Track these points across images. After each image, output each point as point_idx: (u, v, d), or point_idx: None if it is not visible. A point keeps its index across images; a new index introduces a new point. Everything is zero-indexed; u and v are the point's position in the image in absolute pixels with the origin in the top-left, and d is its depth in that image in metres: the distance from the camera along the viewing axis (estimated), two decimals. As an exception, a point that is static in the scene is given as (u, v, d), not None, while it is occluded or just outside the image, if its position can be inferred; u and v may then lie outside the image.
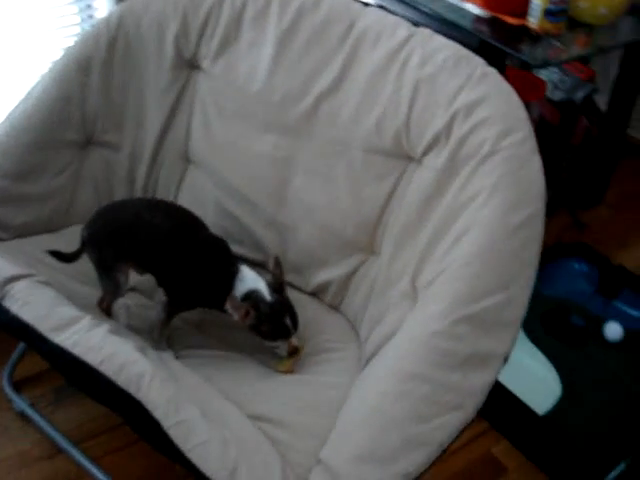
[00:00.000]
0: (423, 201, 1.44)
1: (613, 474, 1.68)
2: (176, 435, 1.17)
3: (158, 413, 1.19)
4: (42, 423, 1.79)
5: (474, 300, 1.24)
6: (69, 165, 1.75)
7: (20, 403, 1.82)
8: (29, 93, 1.73)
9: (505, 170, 1.32)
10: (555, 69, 2.25)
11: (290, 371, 1.50)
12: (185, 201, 1.77)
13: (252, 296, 1.46)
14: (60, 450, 1.74)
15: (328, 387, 1.45)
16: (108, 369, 1.22)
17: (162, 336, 1.55)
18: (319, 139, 1.60)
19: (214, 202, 1.73)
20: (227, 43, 1.69)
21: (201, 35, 1.72)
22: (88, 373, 1.23)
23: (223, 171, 1.73)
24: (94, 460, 1.71)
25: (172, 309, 1.56)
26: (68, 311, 1.35)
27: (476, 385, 1.21)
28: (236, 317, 1.46)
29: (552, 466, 1.74)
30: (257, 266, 1.68)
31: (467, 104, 1.39)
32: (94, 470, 1.70)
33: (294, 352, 1.50)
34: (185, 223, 1.55)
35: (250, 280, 1.48)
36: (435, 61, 1.46)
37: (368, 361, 1.47)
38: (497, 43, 1.81)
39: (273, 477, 1.19)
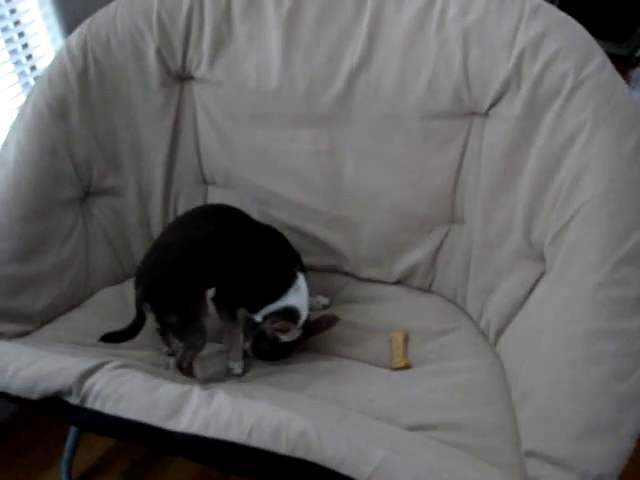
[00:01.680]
0: (506, 154, 1.35)
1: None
2: None
3: (347, 469, 1.02)
4: (128, 514, 1.59)
5: (623, 239, 1.17)
6: (74, 226, 1.52)
7: (94, 502, 1.61)
8: (1, 157, 1.47)
9: (598, 99, 1.25)
10: None
11: (407, 366, 1.40)
12: (218, 227, 1.59)
13: (293, 314, 1.39)
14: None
15: (466, 372, 1.36)
16: (261, 440, 1.04)
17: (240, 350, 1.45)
18: (362, 120, 1.47)
19: (258, 217, 1.54)
20: (221, 44, 1.51)
21: (186, 42, 1.52)
22: (238, 452, 1.05)
23: (260, 182, 1.57)
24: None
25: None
26: (170, 390, 1.15)
27: (658, 322, 1.15)
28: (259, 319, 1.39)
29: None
30: (329, 272, 1.57)
31: (531, 41, 1.30)
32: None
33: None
34: (233, 218, 1.44)
35: (301, 293, 1.41)
36: (477, 6, 1.35)
37: (499, 334, 1.39)
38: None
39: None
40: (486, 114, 1.39)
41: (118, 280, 1.61)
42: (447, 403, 1.30)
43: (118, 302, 1.56)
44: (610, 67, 1.28)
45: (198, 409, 1.10)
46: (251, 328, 1.41)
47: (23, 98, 1.55)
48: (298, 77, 1.48)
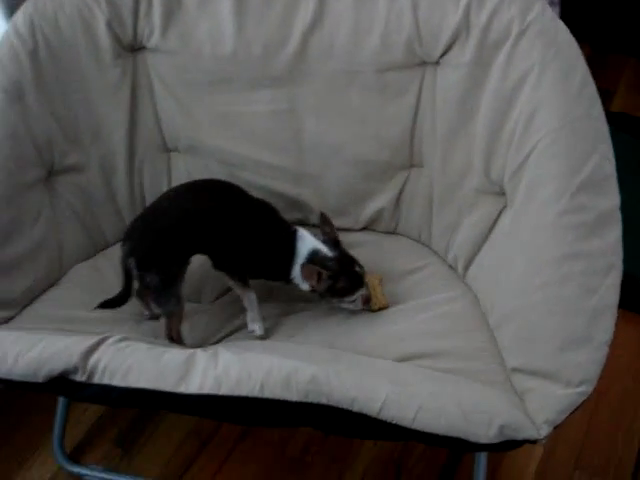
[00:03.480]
0: (460, 98, 1.44)
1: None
2: (390, 417, 1.11)
3: (358, 407, 1.11)
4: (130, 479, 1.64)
5: (578, 169, 1.28)
6: (42, 207, 1.51)
7: (93, 473, 1.63)
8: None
9: (543, 43, 1.35)
10: None
11: (386, 306, 1.49)
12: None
13: (317, 256, 1.42)
14: (167, 494, 1.63)
15: (442, 304, 1.47)
16: (273, 391, 1.12)
17: (253, 301, 1.46)
18: (319, 77, 1.52)
19: (226, 179, 1.55)
20: (171, 13, 1.51)
21: (136, 13, 1.51)
22: (251, 405, 1.12)
23: (224, 146, 1.60)
24: (208, 484, 1.64)
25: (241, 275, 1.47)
26: (175, 355, 1.20)
27: (614, 241, 1.26)
28: (306, 287, 1.42)
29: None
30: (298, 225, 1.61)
31: (476, -8, 1.39)
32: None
33: (367, 302, 1.47)
34: (229, 193, 1.47)
35: (310, 240, 1.44)
36: (422, -38, 1.42)
37: (467, 266, 1.51)
38: None
39: (499, 403, 1.20)
40: (437, 63, 1.46)
41: (89, 255, 1.62)
42: (430, 333, 1.41)
43: (93, 275, 1.59)
44: (549, 11, 1.38)
45: (207, 370, 1.16)
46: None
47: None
48: (252, 41, 1.51)
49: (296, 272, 1.42)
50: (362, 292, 1.44)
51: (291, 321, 1.49)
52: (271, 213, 1.49)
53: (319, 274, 1.39)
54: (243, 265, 1.46)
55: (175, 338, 1.44)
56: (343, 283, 1.41)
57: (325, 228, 1.46)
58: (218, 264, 1.47)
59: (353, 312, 1.47)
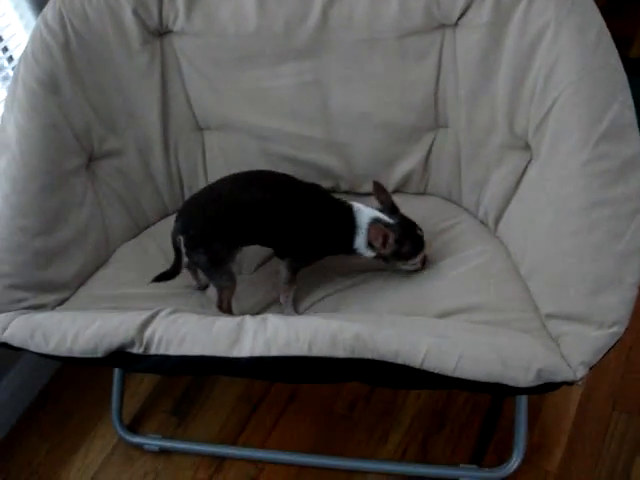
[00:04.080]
0: (480, 58, 1.48)
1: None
2: (432, 367, 1.18)
3: (401, 359, 1.18)
4: (187, 446, 1.72)
5: (599, 119, 1.32)
6: (85, 192, 1.59)
7: (152, 442, 1.72)
8: (1, 142, 1.51)
9: (559, -1, 1.39)
10: None
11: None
12: (220, 167, 1.69)
13: (378, 224, 1.47)
14: (223, 458, 1.69)
15: (475, 259, 1.52)
16: (321, 349, 1.18)
17: (290, 298, 1.52)
18: (341, 47, 1.56)
19: (258, 153, 1.67)
20: (194, -4, 1.57)
21: (161, -1, 1.58)
22: (301, 363, 1.20)
23: (254, 121, 1.66)
24: (262, 448, 1.70)
25: (298, 265, 1.53)
26: (226, 323, 1.28)
27: (638, 186, 1.29)
28: (370, 254, 1.48)
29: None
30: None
31: (489, -48, 1.42)
32: (271, 456, 1.68)
33: (425, 261, 1.53)
34: (280, 183, 1.51)
35: (367, 211, 1.49)
36: None
37: (497, 220, 1.56)
38: None
39: (535, 348, 1.25)
40: (456, 25, 1.50)
41: (134, 235, 1.71)
42: (465, 289, 1.46)
43: (138, 254, 1.67)
44: (563, -35, 1.41)
45: (256, 334, 1.23)
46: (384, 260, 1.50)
47: (3, 92, 1.59)
48: (274, 17, 1.55)
49: (358, 242, 1.48)
50: (420, 254, 1.51)
51: (331, 298, 1.54)
52: (324, 194, 1.55)
53: (385, 236, 1.44)
54: (307, 248, 1.51)
55: (225, 309, 1.51)
56: (408, 247, 1.48)
57: (380, 196, 1.52)
58: (282, 252, 1.52)
59: (390, 275, 1.53)
